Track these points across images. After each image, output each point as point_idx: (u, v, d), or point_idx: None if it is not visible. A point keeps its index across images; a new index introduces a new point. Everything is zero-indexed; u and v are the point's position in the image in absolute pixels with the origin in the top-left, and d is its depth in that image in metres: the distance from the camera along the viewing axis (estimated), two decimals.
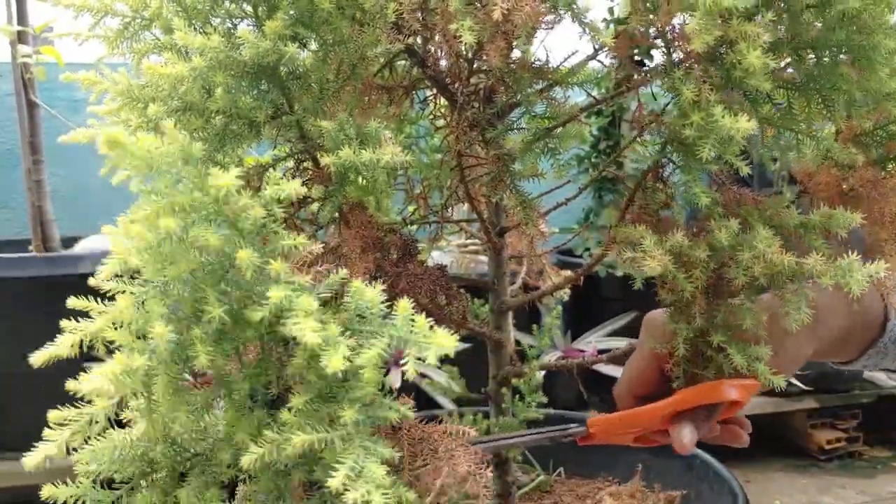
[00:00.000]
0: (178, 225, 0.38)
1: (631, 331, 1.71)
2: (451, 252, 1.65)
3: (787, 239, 0.51)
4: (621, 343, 1.67)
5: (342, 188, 0.54)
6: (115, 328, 0.40)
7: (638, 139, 0.56)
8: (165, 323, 0.38)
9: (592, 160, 1.86)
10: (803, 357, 0.63)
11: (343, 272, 0.43)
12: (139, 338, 0.40)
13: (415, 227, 0.78)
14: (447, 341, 0.37)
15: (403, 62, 0.70)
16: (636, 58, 0.52)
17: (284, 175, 0.66)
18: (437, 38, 0.52)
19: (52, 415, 0.42)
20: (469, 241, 1.64)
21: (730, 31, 0.44)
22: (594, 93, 0.59)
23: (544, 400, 0.97)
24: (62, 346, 0.41)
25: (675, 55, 0.48)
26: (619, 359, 0.85)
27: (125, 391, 0.39)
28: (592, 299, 1.81)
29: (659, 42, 0.49)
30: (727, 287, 0.53)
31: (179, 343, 0.40)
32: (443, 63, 0.62)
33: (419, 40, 0.61)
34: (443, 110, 0.70)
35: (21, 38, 1.45)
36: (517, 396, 0.95)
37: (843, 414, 2.01)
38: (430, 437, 0.49)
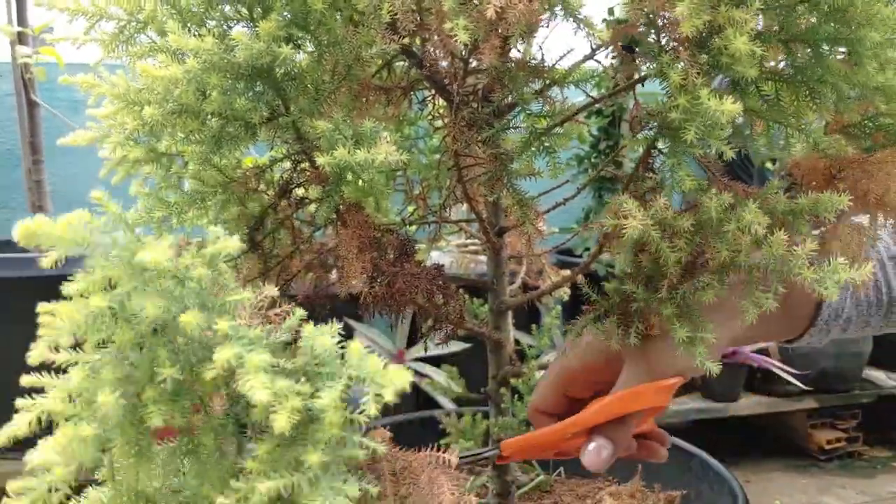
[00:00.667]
0: (109, 300, 0.39)
1: None
2: (450, 252, 1.65)
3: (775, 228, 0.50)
4: None
5: (339, 188, 0.54)
6: (70, 401, 0.40)
7: (636, 137, 0.56)
8: (113, 389, 0.38)
9: (592, 160, 1.87)
10: (718, 347, 0.63)
11: (299, 312, 0.43)
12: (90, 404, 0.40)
13: (414, 227, 0.78)
14: (400, 378, 0.37)
15: (402, 63, 0.71)
16: (625, 45, 0.52)
17: (282, 176, 0.67)
18: (434, 38, 0.52)
19: (12, 485, 0.41)
20: (468, 241, 1.64)
21: (718, 17, 0.44)
22: (593, 93, 0.59)
23: None
24: (20, 425, 0.41)
25: (663, 41, 0.49)
26: None
27: (78, 461, 0.39)
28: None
29: (650, 29, 0.49)
30: (700, 267, 0.52)
31: (133, 406, 0.40)
32: (441, 63, 0.62)
33: (417, 41, 0.62)
34: (441, 111, 0.70)
35: (21, 38, 1.45)
36: (516, 396, 0.96)
37: (842, 414, 2.02)
38: (412, 466, 0.49)
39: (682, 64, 0.46)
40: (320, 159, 0.48)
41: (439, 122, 0.68)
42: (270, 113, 0.55)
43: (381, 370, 0.37)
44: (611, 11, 1.70)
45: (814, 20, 0.49)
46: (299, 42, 0.54)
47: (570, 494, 1.05)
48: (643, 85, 0.55)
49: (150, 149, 0.64)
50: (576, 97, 0.60)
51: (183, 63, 0.49)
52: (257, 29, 0.49)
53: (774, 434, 2.10)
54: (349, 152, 0.47)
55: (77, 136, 0.63)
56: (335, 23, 0.52)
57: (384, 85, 0.67)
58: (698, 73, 0.45)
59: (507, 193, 0.57)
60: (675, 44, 0.47)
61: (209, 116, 0.52)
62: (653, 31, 0.49)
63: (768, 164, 1.93)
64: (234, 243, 0.41)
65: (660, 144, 0.53)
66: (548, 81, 0.55)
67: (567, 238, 1.85)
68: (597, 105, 0.68)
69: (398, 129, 1.11)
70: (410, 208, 0.87)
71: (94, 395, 0.39)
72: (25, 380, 0.43)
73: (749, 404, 1.89)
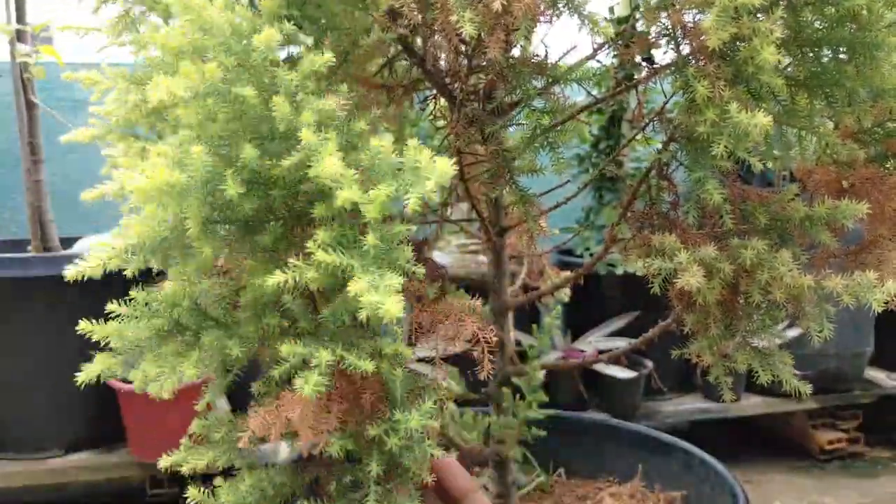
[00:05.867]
0: (220, 77, 0.44)
1: (632, 330, 1.71)
2: (451, 252, 1.64)
3: (790, 236, 0.50)
4: (622, 343, 1.67)
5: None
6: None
7: (638, 137, 0.56)
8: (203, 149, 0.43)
9: (593, 160, 1.86)
10: None
11: (362, 123, 0.48)
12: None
13: (415, 227, 0.78)
14: (445, 167, 0.40)
15: (404, 62, 0.70)
16: (645, 56, 0.52)
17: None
18: (436, 36, 0.52)
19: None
20: (469, 241, 1.64)
21: (743, 28, 0.43)
22: (594, 91, 0.59)
23: (545, 399, 0.96)
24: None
25: (683, 51, 0.48)
26: (619, 359, 0.85)
27: (158, 202, 0.44)
28: (593, 298, 1.81)
29: (666, 40, 0.49)
30: (746, 305, 0.52)
31: (213, 174, 0.44)
32: (442, 63, 0.62)
33: (418, 40, 0.61)
34: (443, 111, 0.70)
35: (20, 36, 1.45)
36: (517, 396, 0.95)
37: (843, 414, 2.01)
38: (448, 307, 0.54)
39: (707, 77, 0.45)
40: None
41: (441, 122, 0.68)
42: None
43: (429, 162, 0.41)
44: (611, 10, 1.70)
45: (820, 22, 0.49)
46: (299, 23, 0.54)
47: (570, 495, 1.04)
48: (652, 83, 0.54)
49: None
50: (576, 95, 0.60)
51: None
52: (259, 5, 0.49)
53: (775, 434, 2.09)
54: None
55: (79, 133, 0.63)
56: (334, 6, 0.52)
57: (386, 83, 0.67)
58: (724, 85, 0.45)
59: (509, 190, 0.56)
60: (699, 55, 0.46)
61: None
62: (672, 42, 0.48)
63: (769, 164, 1.93)
64: (324, 58, 0.46)
65: (673, 150, 0.52)
66: (551, 79, 0.54)
67: (568, 238, 1.85)
68: (598, 104, 0.68)
69: (400, 130, 1.11)
70: None
71: (184, 158, 0.44)
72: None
73: (750, 405, 1.88)
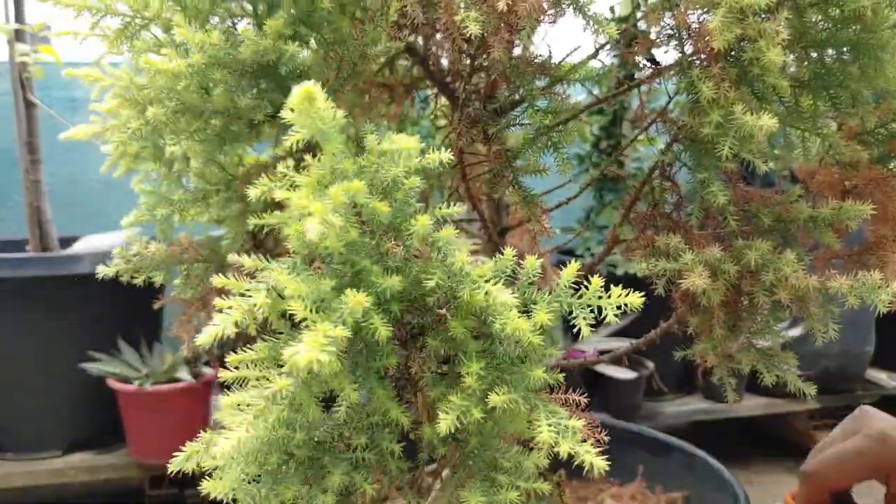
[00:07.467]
0: (345, 196, 0.39)
1: (633, 331, 1.71)
2: None
3: (793, 237, 0.50)
4: (623, 344, 1.67)
5: None
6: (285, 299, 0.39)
7: (640, 138, 0.56)
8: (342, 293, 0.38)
9: (593, 159, 1.86)
10: None
11: (510, 251, 0.46)
12: (317, 311, 0.38)
13: None
14: (635, 300, 0.40)
15: (404, 62, 0.70)
16: (648, 57, 0.52)
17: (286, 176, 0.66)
18: (437, 35, 0.51)
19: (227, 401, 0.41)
20: (469, 241, 1.63)
21: (749, 29, 0.43)
22: (595, 91, 0.59)
23: None
24: (225, 324, 0.39)
25: (687, 52, 0.48)
26: (620, 359, 0.84)
27: (327, 367, 0.37)
28: None
29: (668, 40, 0.49)
30: (750, 306, 0.52)
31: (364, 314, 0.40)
32: (443, 62, 0.61)
33: (420, 39, 0.61)
34: (444, 110, 0.70)
35: (18, 36, 1.44)
36: None
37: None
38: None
39: (712, 79, 0.45)
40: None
41: (442, 122, 0.68)
42: (275, 110, 0.54)
43: (597, 291, 0.40)
44: (612, 10, 1.69)
45: (825, 23, 0.49)
46: (305, 39, 0.53)
47: (572, 497, 1.04)
48: (654, 83, 0.54)
49: (154, 143, 0.64)
50: (578, 95, 0.59)
51: (187, 58, 0.48)
52: (263, 26, 0.49)
53: (776, 435, 2.09)
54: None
55: (78, 131, 0.63)
56: (342, 21, 0.52)
57: (387, 82, 0.67)
58: (730, 87, 0.45)
59: (511, 191, 0.56)
60: (703, 56, 0.46)
61: (213, 115, 0.51)
62: (676, 42, 0.48)
63: (771, 164, 1.92)
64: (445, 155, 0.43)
65: (676, 151, 0.52)
66: (554, 78, 0.54)
67: (569, 238, 1.85)
68: (600, 104, 0.67)
69: (401, 129, 1.10)
70: None
71: (322, 296, 0.39)
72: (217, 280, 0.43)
73: (751, 405, 1.88)
